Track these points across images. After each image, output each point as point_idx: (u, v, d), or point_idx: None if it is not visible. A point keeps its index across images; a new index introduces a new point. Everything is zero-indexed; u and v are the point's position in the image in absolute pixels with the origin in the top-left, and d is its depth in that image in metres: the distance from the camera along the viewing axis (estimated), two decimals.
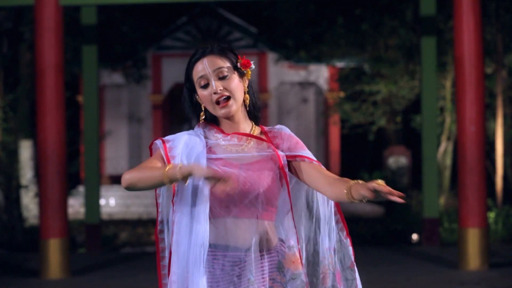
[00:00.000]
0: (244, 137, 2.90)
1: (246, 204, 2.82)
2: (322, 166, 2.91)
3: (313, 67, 21.19)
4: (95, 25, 11.26)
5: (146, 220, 17.76)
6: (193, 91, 2.91)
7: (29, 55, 13.33)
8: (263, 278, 2.83)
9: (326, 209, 3.01)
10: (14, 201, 12.81)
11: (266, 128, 2.97)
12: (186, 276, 2.81)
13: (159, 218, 2.96)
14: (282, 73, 21.83)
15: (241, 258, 2.82)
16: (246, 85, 2.90)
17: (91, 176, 11.19)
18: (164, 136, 2.91)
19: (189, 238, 2.81)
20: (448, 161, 15.23)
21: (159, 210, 2.93)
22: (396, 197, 2.56)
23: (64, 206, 9.01)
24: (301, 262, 2.90)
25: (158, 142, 2.87)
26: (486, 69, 13.85)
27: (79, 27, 12.36)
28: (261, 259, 2.83)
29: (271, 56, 21.45)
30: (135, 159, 22.11)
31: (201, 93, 2.86)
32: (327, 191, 2.85)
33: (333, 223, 3.03)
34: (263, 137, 2.93)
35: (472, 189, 8.75)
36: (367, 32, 16.03)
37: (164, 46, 21.22)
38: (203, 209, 2.79)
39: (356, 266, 3.06)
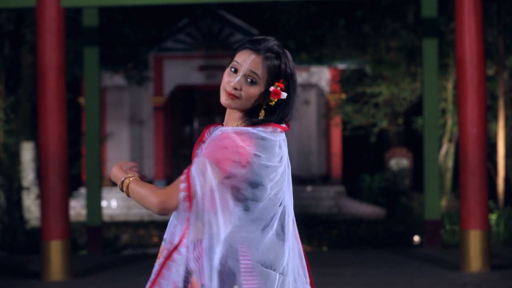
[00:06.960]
0: (206, 132, 2.87)
1: None
2: (180, 176, 2.66)
3: (314, 69, 21.18)
4: (96, 27, 11.26)
5: (147, 222, 17.77)
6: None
7: (30, 57, 13.33)
8: None
9: None
10: (15, 203, 12.81)
11: None
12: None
13: None
14: None
15: None
16: (267, 102, 2.81)
17: (93, 178, 11.19)
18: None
19: None
20: (450, 163, 15.22)
21: None
22: None
23: (65, 208, 9.01)
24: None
25: None
26: (488, 71, 13.84)
27: (80, 29, 12.36)
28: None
29: None
30: (137, 161, 22.09)
31: (226, 72, 2.79)
32: None
33: None
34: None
35: (473, 191, 8.73)
36: (369, 34, 16.04)
37: (165, 48, 21.21)
38: None
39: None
